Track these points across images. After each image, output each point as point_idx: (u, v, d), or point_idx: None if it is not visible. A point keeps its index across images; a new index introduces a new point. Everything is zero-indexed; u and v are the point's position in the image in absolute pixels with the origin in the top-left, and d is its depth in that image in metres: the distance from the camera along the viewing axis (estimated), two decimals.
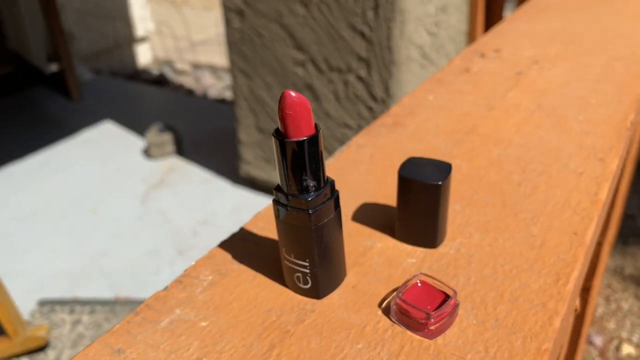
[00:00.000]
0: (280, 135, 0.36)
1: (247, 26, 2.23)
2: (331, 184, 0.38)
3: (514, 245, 0.43)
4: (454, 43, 2.22)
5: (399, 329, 0.37)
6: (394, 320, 0.37)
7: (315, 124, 0.36)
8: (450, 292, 0.37)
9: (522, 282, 0.40)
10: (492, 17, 2.24)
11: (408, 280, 0.38)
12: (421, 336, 0.36)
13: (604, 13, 0.95)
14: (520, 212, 0.47)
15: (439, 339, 0.36)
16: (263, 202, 2.35)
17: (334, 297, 0.40)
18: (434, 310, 0.36)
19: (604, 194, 0.48)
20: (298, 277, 0.40)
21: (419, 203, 0.42)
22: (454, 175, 0.52)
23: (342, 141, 2.17)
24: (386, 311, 0.38)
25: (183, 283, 0.42)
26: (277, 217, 0.39)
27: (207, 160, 2.74)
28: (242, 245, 0.46)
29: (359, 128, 2.15)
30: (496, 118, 0.62)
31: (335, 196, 0.38)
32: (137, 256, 2.17)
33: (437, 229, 0.43)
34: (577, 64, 0.74)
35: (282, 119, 0.35)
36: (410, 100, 0.68)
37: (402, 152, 0.57)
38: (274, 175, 2.34)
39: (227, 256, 0.45)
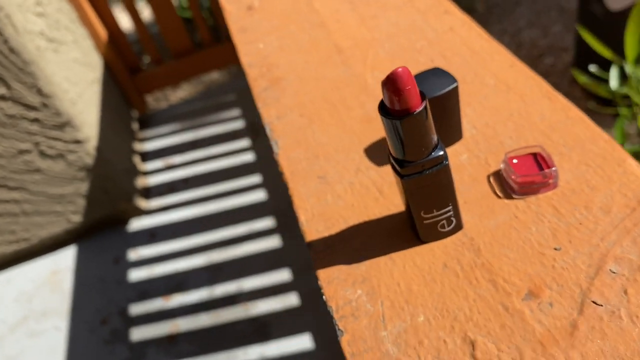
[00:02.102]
0: (400, 114, 0.36)
1: None
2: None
3: (487, 94, 0.52)
4: (64, 13, 2.03)
5: (532, 198, 0.43)
6: (521, 197, 0.43)
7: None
8: (537, 149, 0.45)
9: (525, 108, 0.49)
10: None
11: (505, 163, 0.44)
12: (550, 190, 0.43)
13: None
14: (455, 72, 0.55)
15: (560, 182, 0.43)
16: None
17: (469, 219, 0.43)
18: (543, 169, 0.43)
19: (486, 34, 0.60)
20: (442, 224, 0.42)
21: (444, 110, 0.47)
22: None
23: (30, 169, 1.88)
24: (509, 195, 0.44)
25: (354, 315, 0.40)
26: (410, 190, 0.39)
27: None
28: (337, 251, 0.44)
29: (38, 145, 1.88)
30: (338, 27, 0.67)
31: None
32: None
33: (461, 121, 0.49)
34: None
35: (405, 96, 0.35)
36: (250, 58, 0.67)
37: (322, 98, 0.59)
38: None
39: (341, 268, 0.43)
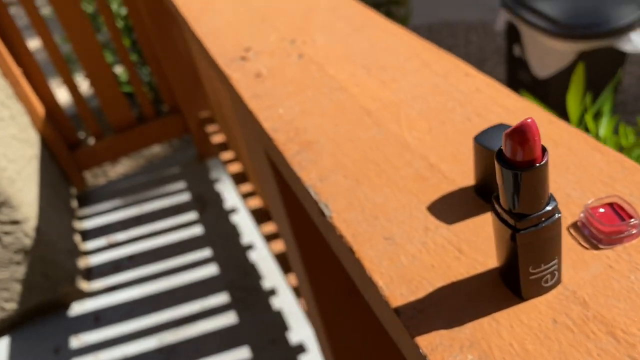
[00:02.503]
0: (523, 165, 0.35)
1: None
2: None
3: None
4: (0, 89, 1.93)
5: (619, 248, 0.43)
6: (608, 247, 0.43)
7: None
8: (614, 199, 0.45)
9: (579, 161, 0.51)
10: (13, 45, 2.02)
11: (587, 213, 0.45)
12: (634, 239, 0.44)
13: None
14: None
15: None
16: None
17: (564, 272, 0.43)
18: (624, 218, 0.44)
19: (514, 94, 0.62)
20: (546, 279, 0.41)
21: None
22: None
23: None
24: (595, 246, 0.44)
25: None
26: (523, 244, 0.38)
27: None
28: (431, 316, 0.42)
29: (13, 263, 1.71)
30: (359, 91, 0.67)
31: None
32: None
33: None
34: (303, 20, 0.83)
35: (531, 147, 0.35)
36: (273, 123, 0.65)
37: (363, 159, 0.57)
38: None
39: (442, 334, 0.41)
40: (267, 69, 0.76)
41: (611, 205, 0.45)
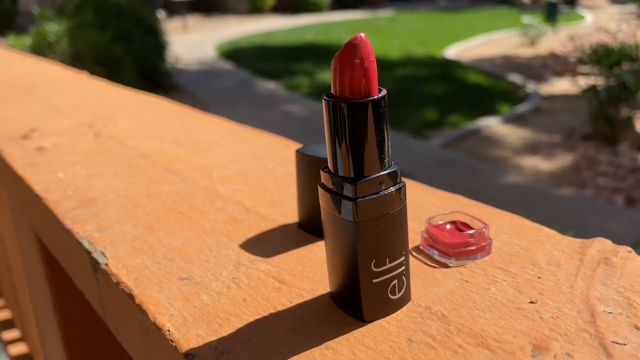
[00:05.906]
0: (363, 96, 0.27)
1: None
2: None
3: None
4: None
5: (472, 264, 0.35)
6: (459, 263, 0.35)
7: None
8: (455, 216, 0.39)
9: (416, 201, 0.44)
10: None
11: (429, 231, 0.37)
12: (487, 254, 0.36)
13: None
14: None
15: (494, 244, 0.37)
16: None
17: (414, 289, 0.33)
18: (467, 230, 0.37)
19: None
20: (393, 287, 0.30)
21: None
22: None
23: None
24: (444, 264, 0.35)
25: None
26: (362, 221, 0.28)
27: None
28: (241, 355, 0.29)
29: None
30: (165, 157, 0.57)
31: None
32: None
33: None
34: (85, 105, 0.74)
35: (365, 72, 0.27)
36: (46, 185, 0.51)
37: (162, 209, 0.45)
38: None
39: None
40: (52, 144, 0.63)
41: (454, 222, 0.38)
